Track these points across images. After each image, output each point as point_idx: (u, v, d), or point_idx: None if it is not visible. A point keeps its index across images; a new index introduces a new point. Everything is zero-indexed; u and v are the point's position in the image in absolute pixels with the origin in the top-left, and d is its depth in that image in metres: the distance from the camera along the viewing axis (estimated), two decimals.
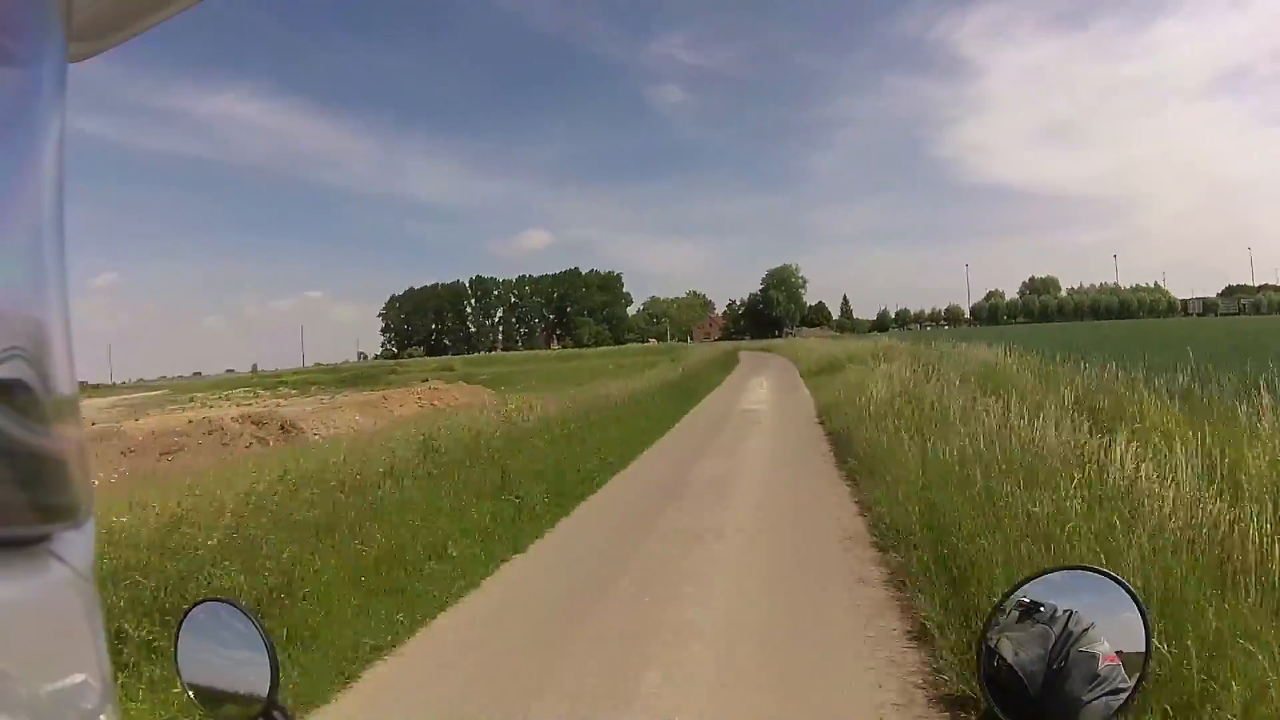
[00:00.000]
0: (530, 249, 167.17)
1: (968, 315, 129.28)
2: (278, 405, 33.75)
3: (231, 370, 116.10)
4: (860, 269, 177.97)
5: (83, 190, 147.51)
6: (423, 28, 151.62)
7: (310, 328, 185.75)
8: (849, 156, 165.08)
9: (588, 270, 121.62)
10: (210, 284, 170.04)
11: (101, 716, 0.41)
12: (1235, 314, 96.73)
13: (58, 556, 0.38)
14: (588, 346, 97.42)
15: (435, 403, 32.48)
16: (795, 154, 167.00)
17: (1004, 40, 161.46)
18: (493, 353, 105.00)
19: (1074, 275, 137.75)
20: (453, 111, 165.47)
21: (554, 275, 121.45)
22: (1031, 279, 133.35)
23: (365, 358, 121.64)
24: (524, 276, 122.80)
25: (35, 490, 0.37)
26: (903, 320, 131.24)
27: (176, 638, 1.03)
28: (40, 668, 0.36)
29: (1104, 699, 0.80)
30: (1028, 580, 0.91)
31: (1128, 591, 0.86)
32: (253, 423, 25.55)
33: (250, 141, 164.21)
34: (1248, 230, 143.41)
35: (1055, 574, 0.92)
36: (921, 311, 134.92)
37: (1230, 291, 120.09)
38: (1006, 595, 0.90)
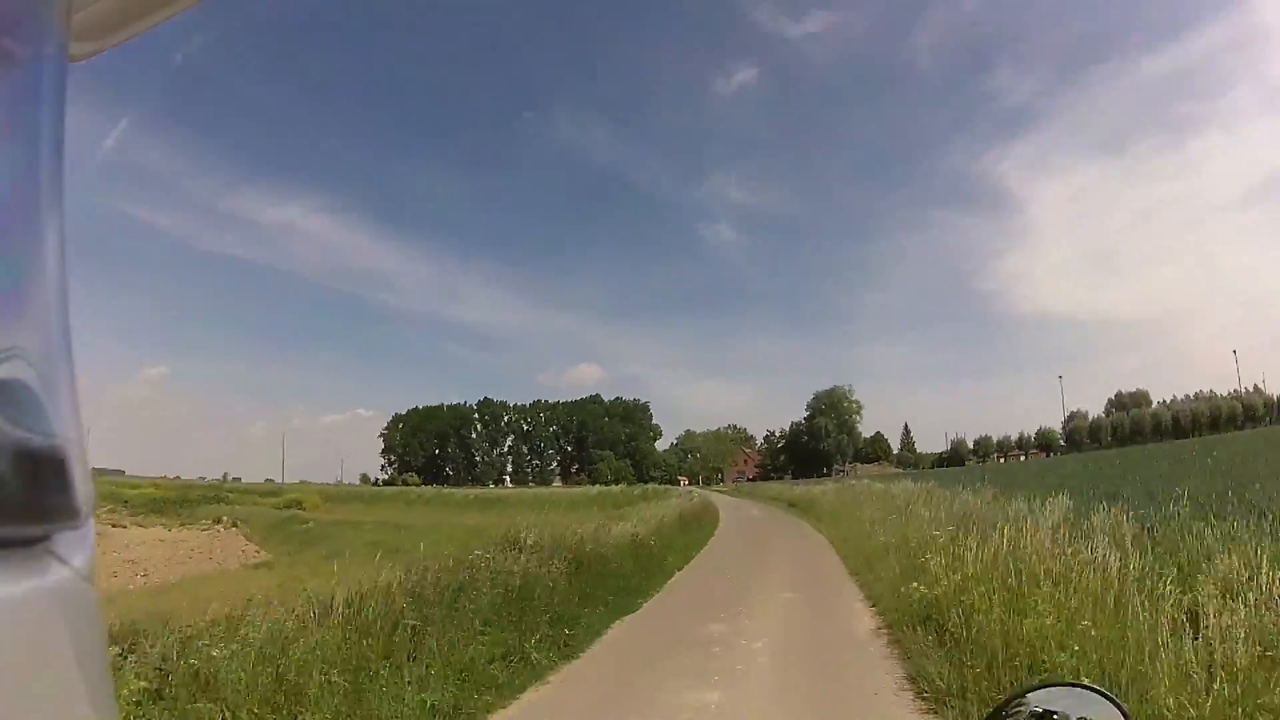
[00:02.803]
0: (581, 383, 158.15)
1: (1063, 440, 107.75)
2: None
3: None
4: (918, 404, 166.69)
5: (144, 283, 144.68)
6: (485, 157, 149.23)
7: (361, 444, 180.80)
8: (897, 293, 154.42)
9: (611, 398, 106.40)
10: (261, 390, 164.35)
11: (100, 717, 0.40)
12: None
13: (57, 556, 0.38)
14: (607, 484, 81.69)
15: None
16: (843, 291, 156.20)
17: (1045, 170, 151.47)
18: (497, 487, 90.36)
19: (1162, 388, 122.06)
20: (509, 241, 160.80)
21: (571, 403, 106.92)
22: (1118, 394, 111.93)
23: (369, 480, 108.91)
24: (538, 402, 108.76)
25: (35, 490, 0.37)
26: (983, 450, 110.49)
27: None
28: (39, 668, 0.36)
29: None
30: (1016, 695, 0.94)
31: (1118, 707, 0.90)
32: None
33: (312, 254, 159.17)
34: None
35: (1050, 689, 0.97)
36: (1006, 438, 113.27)
37: None
38: (996, 712, 0.94)
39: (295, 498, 53.12)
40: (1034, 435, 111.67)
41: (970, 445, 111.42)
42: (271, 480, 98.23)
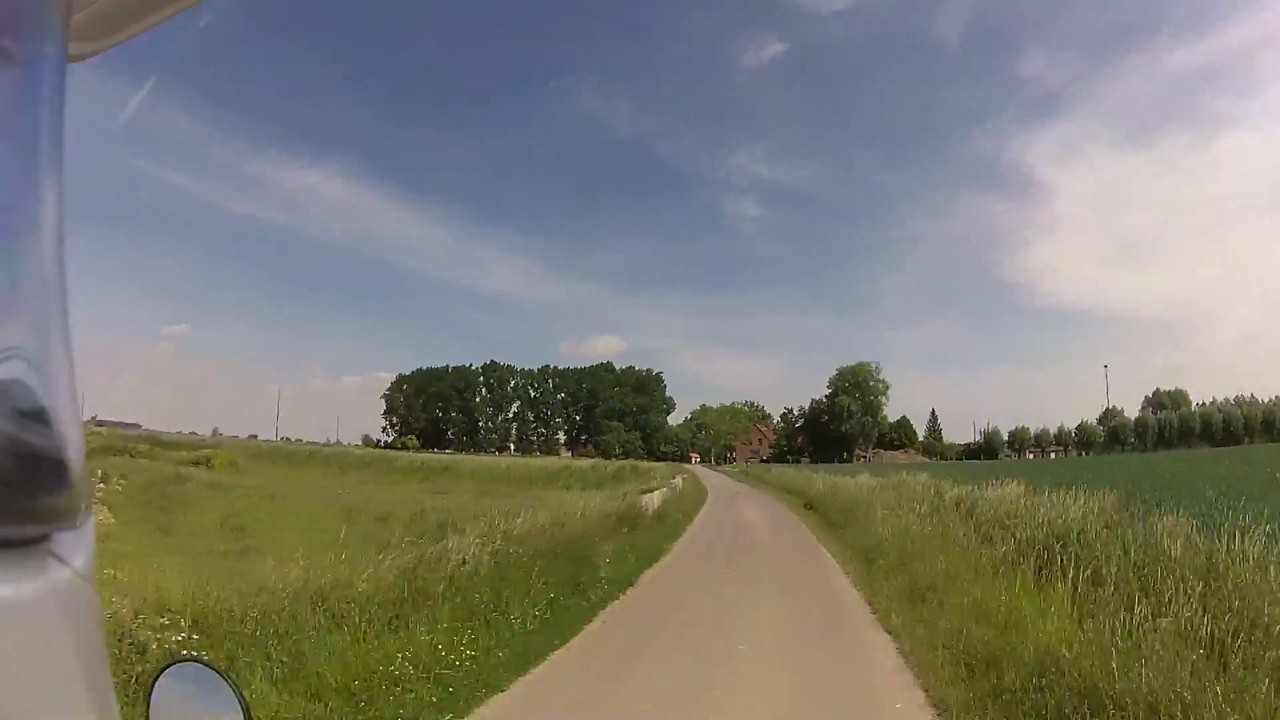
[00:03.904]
0: (601, 353, 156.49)
1: (1103, 437, 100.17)
2: None
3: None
4: (941, 392, 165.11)
5: (166, 243, 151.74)
6: (507, 126, 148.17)
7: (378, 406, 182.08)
8: (920, 277, 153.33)
9: (623, 366, 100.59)
10: (281, 351, 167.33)
11: (100, 717, 0.41)
12: None
13: (57, 556, 0.38)
14: (615, 457, 76.61)
15: None
16: (866, 272, 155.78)
17: (1074, 160, 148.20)
18: (500, 455, 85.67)
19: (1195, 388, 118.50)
20: (531, 210, 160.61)
21: (582, 370, 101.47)
22: (1156, 392, 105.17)
23: (370, 441, 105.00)
24: (547, 367, 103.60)
25: (35, 490, 0.37)
26: (1018, 443, 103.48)
27: (148, 705, 0.95)
28: (39, 668, 0.36)
29: None
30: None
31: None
32: None
33: (334, 219, 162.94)
34: None
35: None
36: (1044, 431, 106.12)
37: None
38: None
39: (206, 454, 49.35)
40: (1074, 430, 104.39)
41: (1005, 436, 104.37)
42: (288, 439, 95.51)
